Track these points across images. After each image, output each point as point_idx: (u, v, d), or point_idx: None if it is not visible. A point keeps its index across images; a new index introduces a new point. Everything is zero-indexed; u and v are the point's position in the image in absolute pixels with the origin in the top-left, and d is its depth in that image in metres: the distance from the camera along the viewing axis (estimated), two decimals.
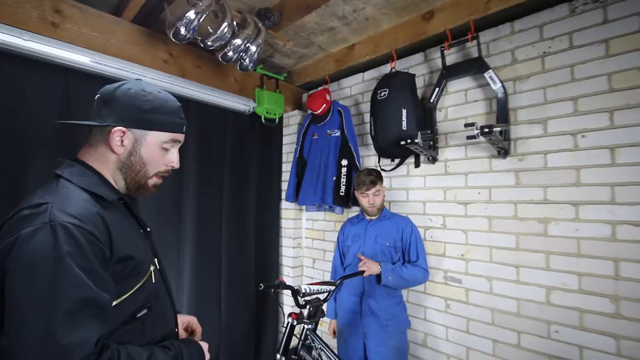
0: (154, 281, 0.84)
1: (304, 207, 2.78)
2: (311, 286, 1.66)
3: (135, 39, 2.02)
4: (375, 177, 1.85)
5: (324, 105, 2.47)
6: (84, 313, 0.63)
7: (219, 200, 2.46)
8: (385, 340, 1.76)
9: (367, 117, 2.44)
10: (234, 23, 1.81)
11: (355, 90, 2.57)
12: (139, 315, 0.78)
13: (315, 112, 2.50)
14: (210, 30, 1.73)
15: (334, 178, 2.38)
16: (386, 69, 2.33)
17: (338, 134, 2.45)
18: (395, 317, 1.80)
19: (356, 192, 1.92)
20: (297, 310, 1.70)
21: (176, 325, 0.96)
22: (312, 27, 2.16)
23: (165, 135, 0.86)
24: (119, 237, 0.75)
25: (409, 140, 1.80)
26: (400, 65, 2.23)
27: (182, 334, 1.01)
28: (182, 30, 1.63)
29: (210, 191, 2.42)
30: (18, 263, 0.62)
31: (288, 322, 1.66)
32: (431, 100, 1.99)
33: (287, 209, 2.85)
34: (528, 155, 1.68)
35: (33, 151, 1.71)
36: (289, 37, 2.23)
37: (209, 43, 1.77)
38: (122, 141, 0.83)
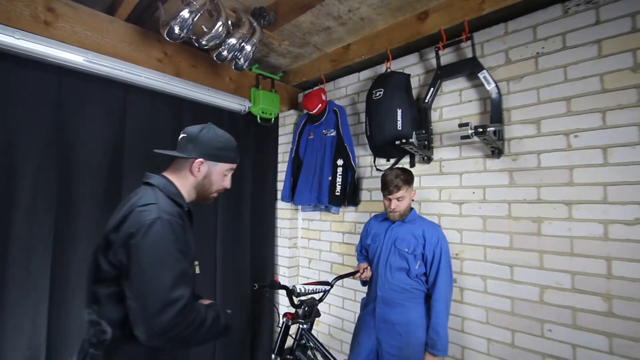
0: (197, 271, 1.18)
1: (299, 207, 2.77)
2: (306, 286, 1.66)
3: (129, 38, 2.00)
4: (402, 180, 1.69)
5: (320, 105, 2.47)
6: (182, 279, 0.95)
7: (214, 201, 2.44)
8: (400, 349, 1.64)
9: (362, 117, 2.44)
10: (229, 22, 1.80)
11: (350, 90, 2.57)
12: None
13: (311, 112, 2.50)
14: (205, 30, 1.72)
15: (330, 178, 2.38)
16: (382, 69, 2.33)
17: (334, 133, 2.45)
18: (411, 325, 1.65)
19: (383, 195, 1.79)
20: (292, 310, 1.70)
21: None
22: (307, 26, 2.16)
23: (228, 166, 1.24)
24: (186, 232, 1.06)
25: (404, 140, 1.80)
26: (395, 65, 2.23)
27: None
28: (177, 30, 1.62)
29: None
30: (144, 243, 0.94)
31: (283, 322, 1.66)
32: (426, 100, 2.00)
33: (283, 208, 2.84)
34: (522, 155, 1.69)
35: (24, 151, 1.70)
36: (284, 37, 2.23)
37: (204, 42, 1.77)
38: (199, 169, 1.17)
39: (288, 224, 2.81)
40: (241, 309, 2.55)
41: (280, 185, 2.88)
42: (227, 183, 1.27)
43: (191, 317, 0.95)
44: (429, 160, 2.02)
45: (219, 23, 1.72)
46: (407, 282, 1.69)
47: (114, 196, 1.96)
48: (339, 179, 2.34)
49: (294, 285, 1.63)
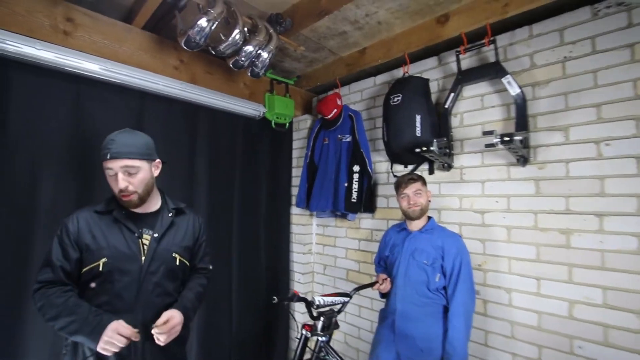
0: (100, 269, 1.17)
1: (314, 212, 2.74)
2: (325, 298, 1.63)
3: (146, 46, 2.01)
4: (417, 176, 1.72)
5: (335, 109, 2.44)
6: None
7: (230, 206, 2.44)
8: None
9: (378, 122, 2.40)
10: (245, 29, 1.78)
11: (366, 94, 2.53)
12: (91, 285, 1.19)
13: (326, 117, 2.47)
14: (222, 37, 1.71)
15: (346, 184, 2.35)
16: (398, 73, 2.29)
17: (349, 139, 2.42)
18: (434, 341, 1.58)
19: (397, 198, 1.77)
20: (310, 321, 1.67)
21: (141, 312, 1.20)
22: (323, 31, 2.13)
23: (103, 164, 1.20)
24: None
25: (424, 148, 1.76)
26: (413, 69, 2.18)
27: (159, 321, 1.16)
28: (194, 38, 1.61)
29: (221, 197, 2.40)
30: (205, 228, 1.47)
31: (302, 334, 1.63)
32: (446, 106, 1.95)
33: (297, 214, 2.82)
34: (549, 163, 1.63)
35: (45, 157, 1.71)
36: (299, 42, 2.20)
37: (221, 50, 1.75)
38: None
39: (302, 230, 2.79)
40: (256, 315, 2.54)
41: (294, 191, 2.86)
42: (113, 186, 1.20)
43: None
44: (449, 167, 1.97)
45: (236, 31, 1.71)
46: (427, 295, 1.64)
47: None
48: (355, 186, 2.31)
49: (313, 297, 1.61)
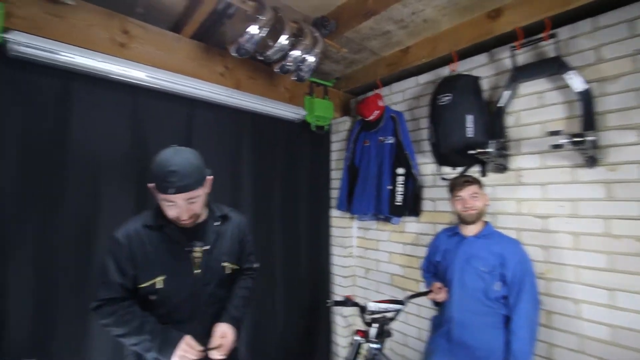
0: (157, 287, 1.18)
1: (354, 215, 2.71)
2: (379, 304, 1.60)
3: (194, 54, 2.05)
4: (474, 179, 1.65)
5: (376, 111, 2.39)
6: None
7: (272, 209, 2.46)
8: None
9: (422, 123, 2.33)
10: (292, 34, 1.78)
11: (408, 94, 2.46)
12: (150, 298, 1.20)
13: (367, 119, 2.43)
14: (270, 43, 1.71)
15: (389, 187, 2.30)
16: (443, 71, 2.21)
17: (392, 140, 2.36)
18: (495, 352, 1.50)
19: (450, 200, 1.70)
20: (358, 326, 1.65)
21: (198, 322, 1.23)
22: (366, 32, 2.09)
23: (160, 195, 1.13)
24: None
25: (480, 150, 1.68)
26: (461, 67, 2.10)
27: (215, 341, 1.18)
28: (244, 45, 1.62)
29: (264, 200, 2.42)
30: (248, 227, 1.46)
31: (355, 340, 1.61)
32: (499, 104, 1.85)
33: (337, 217, 2.80)
34: (621, 165, 1.51)
35: (104, 162, 1.79)
36: (341, 44, 2.17)
37: (268, 55, 1.76)
38: (152, 192, 1.18)
39: (342, 233, 2.76)
40: (299, 317, 2.55)
41: (333, 193, 2.84)
42: (171, 213, 1.14)
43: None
44: (504, 169, 1.88)
45: (284, 36, 1.70)
46: (486, 304, 1.57)
47: None
48: (399, 188, 2.25)
49: (366, 303, 1.58)
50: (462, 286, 1.62)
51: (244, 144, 2.35)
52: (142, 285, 1.18)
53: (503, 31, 1.83)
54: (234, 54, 1.70)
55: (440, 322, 1.73)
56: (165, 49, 1.94)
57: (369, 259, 2.65)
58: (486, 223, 1.68)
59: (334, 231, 2.83)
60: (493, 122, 1.89)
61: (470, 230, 1.68)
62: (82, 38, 1.68)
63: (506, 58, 1.93)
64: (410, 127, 2.38)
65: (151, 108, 1.96)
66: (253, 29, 1.58)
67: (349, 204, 2.57)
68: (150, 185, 1.13)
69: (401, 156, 2.28)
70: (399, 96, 2.52)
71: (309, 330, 2.62)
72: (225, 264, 1.29)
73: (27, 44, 1.52)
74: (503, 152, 1.81)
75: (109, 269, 1.16)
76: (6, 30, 1.47)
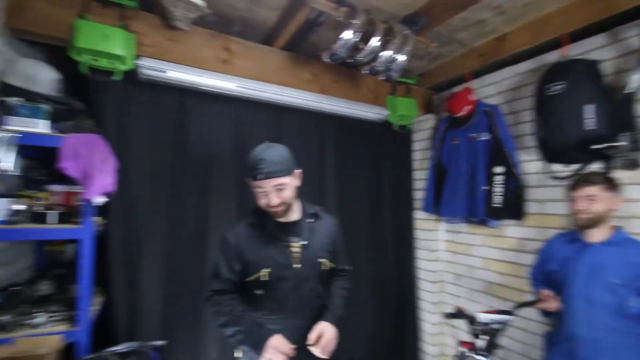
0: (262, 279, 1.26)
1: (441, 218, 2.58)
2: (490, 315, 1.49)
3: (284, 64, 2.16)
4: (601, 178, 1.42)
5: (467, 106, 2.24)
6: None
7: (356, 212, 2.47)
8: None
9: (522, 116, 2.12)
10: (382, 35, 1.76)
11: (504, 86, 2.26)
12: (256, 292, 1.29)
13: (456, 115, 2.30)
14: (361, 46, 1.71)
15: (485, 187, 2.13)
16: (549, 58, 1.98)
17: (487, 137, 2.19)
18: None
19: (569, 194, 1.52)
20: (448, 334, 1.55)
21: (302, 315, 1.29)
22: (456, 23, 1.97)
23: (252, 183, 1.22)
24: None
25: (606, 144, 1.46)
26: (572, 51, 1.85)
27: (311, 338, 1.21)
28: (338, 51, 1.65)
29: (348, 203, 2.44)
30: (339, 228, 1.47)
31: (461, 352, 1.52)
32: (628, 90, 1.59)
33: (422, 219, 2.70)
34: None
35: (212, 166, 2.00)
36: (428, 38, 2.09)
37: (359, 59, 1.76)
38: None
39: (428, 235, 2.65)
40: (384, 322, 2.51)
41: (417, 194, 2.75)
42: (262, 201, 1.23)
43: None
44: (635, 166, 1.61)
45: (375, 38, 1.69)
46: (621, 322, 1.34)
47: None
48: (498, 189, 2.08)
49: (473, 314, 1.49)
50: (588, 300, 1.42)
51: (327, 146, 2.40)
52: (250, 279, 1.27)
53: (627, 7, 1.57)
54: (326, 60, 1.74)
55: (557, 340, 1.53)
56: (259, 61, 2.08)
57: (459, 264, 2.50)
58: (616, 228, 1.45)
59: (419, 234, 2.73)
60: (619, 111, 1.63)
61: (595, 236, 1.46)
62: (194, 58, 1.88)
63: (634, 37, 1.65)
64: (508, 122, 2.18)
65: (246, 116, 2.12)
66: (347, 34, 1.60)
67: (436, 206, 2.46)
68: (247, 179, 1.23)
69: (499, 153, 2.10)
70: (492, 89, 2.33)
71: (395, 337, 2.56)
72: (322, 260, 1.33)
73: (153, 68, 1.75)
74: (636, 146, 1.54)
75: (219, 265, 1.29)
76: (137, 57, 1.72)
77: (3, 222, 1.37)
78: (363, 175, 2.53)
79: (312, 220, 1.36)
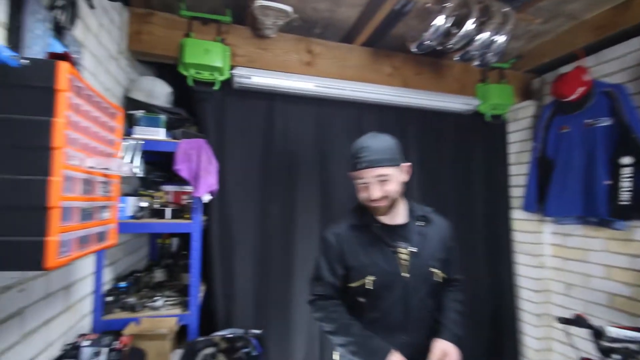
0: (367, 287, 1.14)
1: (546, 218, 2.26)
2: (624, 331, 1.25)
3: (364, 60, 2.14)
4: None
5: (581, 88, 1.93)
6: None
7: (442, 212, 2.30)
8: None
9: None
10: (477, 16, 1.61)
11: (630, 61, 1.89)
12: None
13: (566, 99, 1.99)
14: (454, 31, 1.59)
15: (608, 182, 1.80)
16: None
17: (608, 122, 1.86)
18: None
19: None
20: (591, 354, 1.32)
21: (412, 331, 1.14)
22: None
23: (353, 174, 1.15)
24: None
25: None
26: None
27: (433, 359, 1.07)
28: (427, 39, 1.55)
29: (433, 203, 2.26)
30: (452, 231, 1.29)
31: None
32: None
33: (521, 220, 2.41)
34: None
35: (298, 164, 2.07)
36: (531, 14, 1.84)
37: (450, 46, 1.64)
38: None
39: (529, 238, 2.35)
40: (478, 331, 2.29)
41: (514, 191, 2.46)
42: (363, 195, 1.14)
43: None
44: None
45: (470, 20, 1.55)
46: None
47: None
48: (625, 183, 1.74)
49: (601, 326, 1.26)
50: None
51: (410, 143, 2.29)
52: (352, 285, 1.15)
53: None
54: (414, 51, 1.66)
55: None
56: (340, 59, 2.09)
57: (571, 273, 2.16)
58: None
59: (518, 236, 2.44)
60: None
61: None
62: (281, 63, 1.97)
63: None
64: (637, 103, 1.81)
65: (327, 115, 2.15)
66: (439, 20, 1.50)
67: (540, 204, 2.16)
68: (349, 172, 1.16)
69: (627, 141, 1.75)
70: (613, 65, 1.96)
71: (492, 352, 2.33)
72: (434, 269, 1.15)
73: (244, 76, 1.88)
74: None
75: (321, 267, 1.19)
76: (232, 67, 1.87)
77: (132, 217, 1.60)
78: (450, 172, 2.35)
79: (422, 223, 1.20)
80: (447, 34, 1.64)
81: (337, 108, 2.16)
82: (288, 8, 1.63)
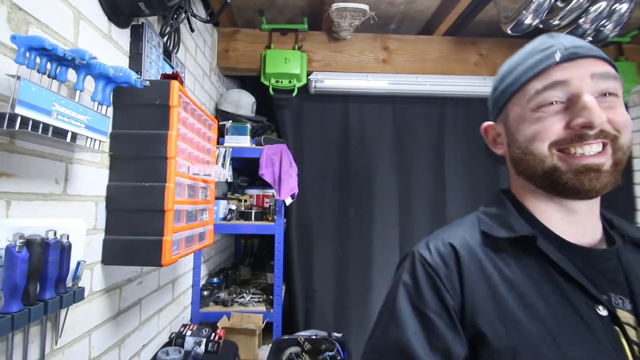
0: None
1: None
2: None
3: (446, 51, 1.99)
4: None
5: None
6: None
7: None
8: None
9: None
10: None
11: None
12: None
13: None
14: (561, 5, 1.37)
15: None
16: None
17: None
18: None
19: None
20: None
21: None
22: None
23: (521, 92, 0.49)
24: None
25: None
26: None
27: None
28: (527, 19, 1.36)
29: None
30: None
31: None
32: None
33: None
34: None
35: (377, 161, 2.01)
36: None
37: (556, 22, 1.41)
38: (489, 136, 0.59)
39: None
40: None
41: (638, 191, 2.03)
42: (553, 127, 0.45)
43: None
44: None
45: None
46: None
47: (438, 203, 2.02)
48: None
49: None
50: None
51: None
52: None
53: None
54: (509, 33, 1.47)
55: None
56: (418, 52, 1.98)
57: None
58: None
59: None
60: None
61: None
62: (356, 64, 1.95)
63: None
64: None
65: (405, 112, 2.04)
66: None
67: None
68: (491, 116, 0.59)
69: None
70: None
71: None
72: None
73: (320, 80, 1.90)
74: None
75: (401, 326, 0.45)
76: (309, 73, 1.90)
77: (223, 219, 1.73)
78: None
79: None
80: (551, 10, 1.42)
81: (417, 104, 2.05)
82: (364, 7, 1.60)
